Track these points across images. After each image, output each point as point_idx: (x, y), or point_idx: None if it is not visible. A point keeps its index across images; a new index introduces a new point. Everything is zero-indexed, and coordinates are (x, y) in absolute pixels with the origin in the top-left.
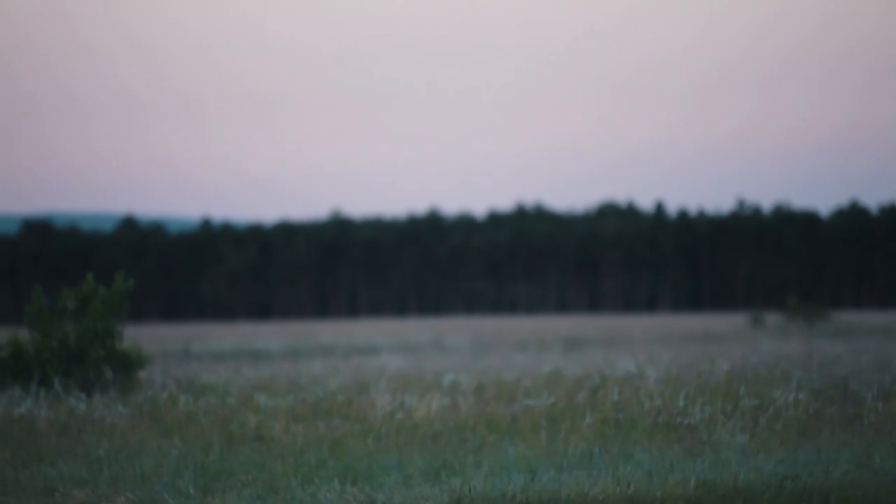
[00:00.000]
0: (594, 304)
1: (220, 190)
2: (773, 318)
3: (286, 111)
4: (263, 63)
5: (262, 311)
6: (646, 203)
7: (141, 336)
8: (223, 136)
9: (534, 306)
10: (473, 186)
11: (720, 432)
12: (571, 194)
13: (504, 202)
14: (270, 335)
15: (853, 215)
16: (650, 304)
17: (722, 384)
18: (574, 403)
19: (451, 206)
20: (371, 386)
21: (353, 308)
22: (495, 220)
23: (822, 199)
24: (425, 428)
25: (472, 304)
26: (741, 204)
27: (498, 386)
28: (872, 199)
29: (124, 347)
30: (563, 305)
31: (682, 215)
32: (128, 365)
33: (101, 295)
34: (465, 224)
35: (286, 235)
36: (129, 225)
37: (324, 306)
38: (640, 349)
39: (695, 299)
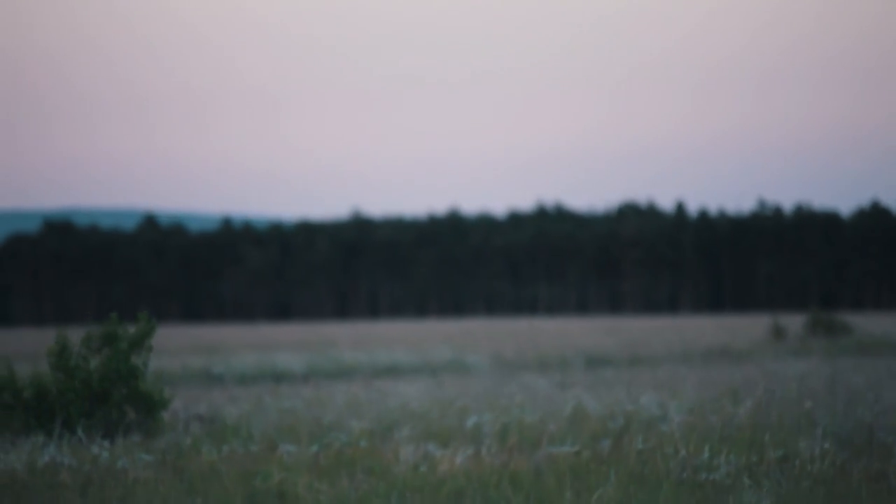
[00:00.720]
0: (615, 305)
1: (241, 188)
2: (794, 326)
3: (303, 108)
4: (281, 60)
5: (281, 311)
6: (666, 203)
7: (161, 339)
8: (239, 133)
9: (554, 307)
10: (493, 185)
11: (745, 496)
12: (591, 192)
13: (524, 201)
14: (290, 346)
15: (874, 215)
16: (671, 305)
17: (746, 431)
18: (599, 454)
19: (471, 205)
20: (395, 428)
21: (372, 309)
22: (515, 220)
23: (843, 199)
24: (449, 484)
25: (492, 304)
26: (762, 204)
27: (521, 429)
28: (893, 200)
29: (148, 388)
30: (583, 306)
31: (703, 215)
32: (151, 406)
33: (126, 336)
34: (486, 224)
35: (307, 235)
36: (149, 224)
37: (343, 307)
38: (663, 372)
39: (715, 300)
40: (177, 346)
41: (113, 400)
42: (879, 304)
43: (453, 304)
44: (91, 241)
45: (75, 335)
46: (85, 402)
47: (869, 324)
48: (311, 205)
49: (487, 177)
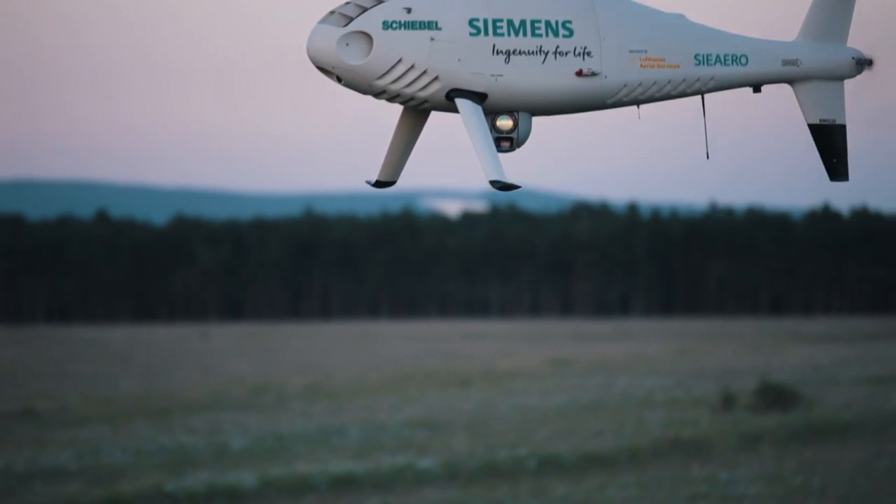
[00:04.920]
0: (566, 306)
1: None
2: (743, 396)
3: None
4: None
5: (234, 310)
6: (619, 204)
7: (114, 342)
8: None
9: (506, 308)
10: (448, 185)
11: None
12: (544, 195)
13: (478, 203)
14: (241, 403)
15: (825, 219)
16: (623, 307)
17: None
18: None
19: (424, 205)
20: None
21: (325, 308)
22: (469, 221)
23: (795, 202)
24: None
25: (445, 305)
26: (714, 206)
27: None
28: (844, 203)
29: None
30: (535, 307)
31: (655, 217)
32: None
33: None
34: (439, 224)
35: (260, 233)
36: (102, 219)
37: (297, 306)
38: (584, 492)
39: (667, 302)
40: (130, 408)
41: None
42: (829, 308)
43: (406, 304)
44: (41, 236)
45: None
46: None
47: (821, 390)
48: (266, 204)
49: (441, 178)
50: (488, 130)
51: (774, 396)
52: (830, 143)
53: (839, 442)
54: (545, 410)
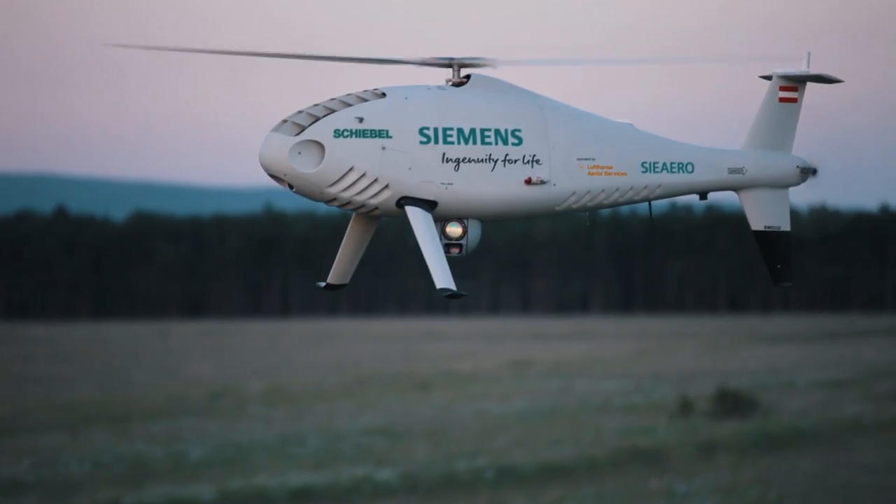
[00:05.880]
0: (526, 304)
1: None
2: (701, 403)
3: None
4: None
5: (193, 307)
6: None
7: (73, 341)
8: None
9: (466, 306)
10: None
11: None
12: None
13: None
14: (201, 409)
15: None
16: (582, 305)
17: None
18: None
19: None
20: None
21: (285, 306)
22: None
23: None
24: None
25: (405, 303)
26: (673, 204)
27: None
28: (802, 201)
29: None
30: (495, 305)
31: (615, 214)
32: None
33: None
34: (399, 221)
35: (220, 230)
36: (60, 216)
37: (256, 303)
38: None
39: (626, 300)
40: (89, 414)
41: None
42: (787, 306)
43: (366, 301)
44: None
45: None
46: None
47: (779, 395)
48: (226, 200)
49: None
50: (438, 238)
51: (732, 403)
52: (775, 250)
53: (795, 451)
54: (504, 417)
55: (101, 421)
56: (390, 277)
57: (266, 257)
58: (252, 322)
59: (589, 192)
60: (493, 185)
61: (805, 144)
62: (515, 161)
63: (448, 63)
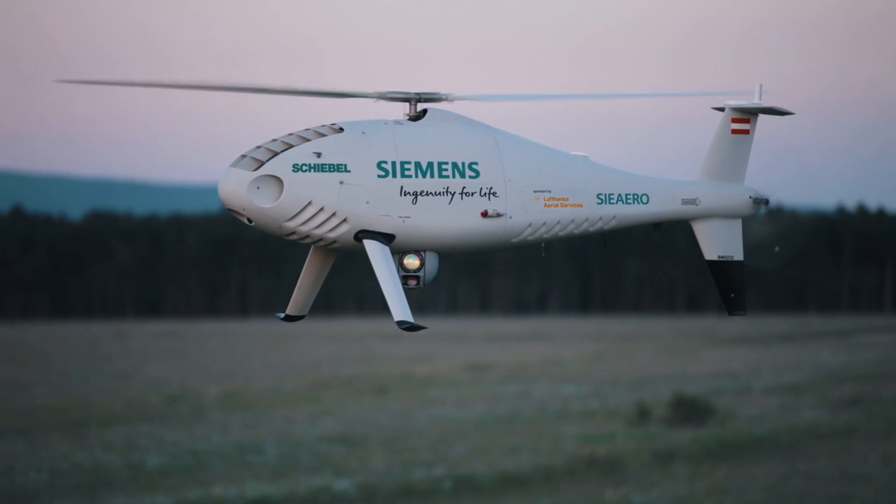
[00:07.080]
0: (484, 304)
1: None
2: (658, 408)
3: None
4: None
5: (151, 307)
6: None
7: (30, 341)
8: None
9: (424, 306)
10: None
11: None
12: None
13: None
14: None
15: None
16: (540, 305)
17: None
18: None
19: None
20: None
21: (242, 306)
22: None
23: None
24: None
25: (363, 302)
26: None
27: None
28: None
29: None
30: (453, 306)
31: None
32: None
33: None
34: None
35: (178, 229)
36: (17, 215)
37: (214, 303)
38: None
39: (584, 300)
40: (46, 420)
41: None
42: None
43: (324, 301)
44: None
45: None
46: None
47: (735, 401)
48: (184, 199)
49: None
50: (395, 270)
51: (689, 409)
52: (728, 279)
53: (752, 459)
54: (462, 423)
55: (59, 427)
56: (348, 278)
57: (224, 257)
58: (210, 322)
59: (545, 223)
60: (450, 218)
61: (757, 173)
62: (472, 194)
63: (405, 97)
